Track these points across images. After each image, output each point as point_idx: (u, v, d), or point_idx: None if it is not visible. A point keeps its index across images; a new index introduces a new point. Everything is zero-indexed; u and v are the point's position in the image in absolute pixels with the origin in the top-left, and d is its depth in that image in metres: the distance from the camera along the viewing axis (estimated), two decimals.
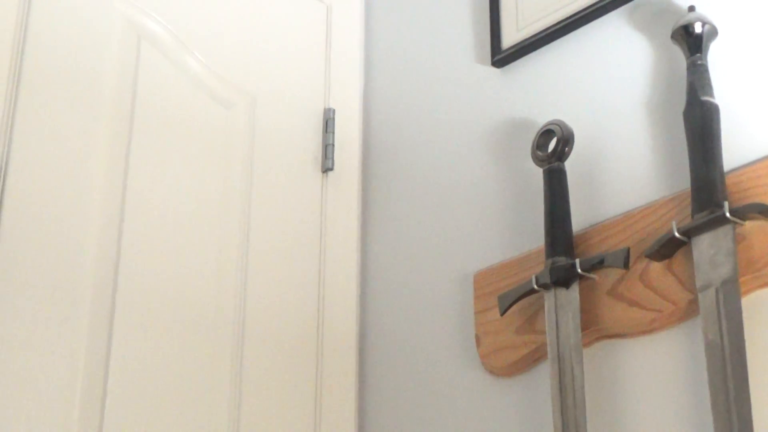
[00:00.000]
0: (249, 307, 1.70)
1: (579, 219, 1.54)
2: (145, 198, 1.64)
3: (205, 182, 1.72)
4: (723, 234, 1.35)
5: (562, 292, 1.49)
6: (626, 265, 1.44)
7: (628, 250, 1.45)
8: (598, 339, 1.49)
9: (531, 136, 1.62)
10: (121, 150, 1.64)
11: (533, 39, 1.72)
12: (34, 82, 1.56)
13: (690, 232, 1.38)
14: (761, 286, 1.35)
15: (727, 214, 1.35)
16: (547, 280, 1.49)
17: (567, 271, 1.49)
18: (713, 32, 1.48)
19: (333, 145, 1.89)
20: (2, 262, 1.46)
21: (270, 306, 1.72)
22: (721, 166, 1.39)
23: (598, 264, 1.47)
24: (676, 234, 1.39)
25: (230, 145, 1.78)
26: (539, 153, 1.58)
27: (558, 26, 1.69)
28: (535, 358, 1.54)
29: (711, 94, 1.43)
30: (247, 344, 1.67)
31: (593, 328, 1.48)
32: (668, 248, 1.41)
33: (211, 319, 1.66)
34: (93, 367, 1.51)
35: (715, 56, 1.48)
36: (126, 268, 1.58)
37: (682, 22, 1.48)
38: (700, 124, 1.42)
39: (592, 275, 1.48)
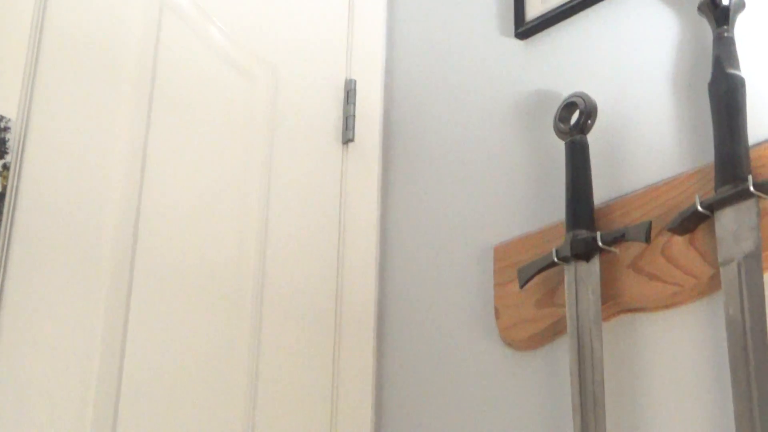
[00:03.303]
0: (268, 279, 1.69)
1: (601, 192, 1.53)
2: (166, 169, 1.63)
3: (225, 153, 1.72)
4: (746, 208, 1.34)
5: (582, 265, 1.48)
6: (648, 239, 1.43)
7: (649, 224, 1.43)
8: (618, 313, 1.48)
9: (553, 109, 1.60)
10: (141, 120, 1.63)
11: (557, 11, 1.71)
12: (55, 52, 1.56)
13: (713, 206, 1.37)
14: None
15: (751, 188, 1.33)
16: (567, 253, 1.48)
17: (588, 245, 1.47)
18: (740, 5, 1.46)
19: (354, 116, 1.88)
20: (21, 233, 1.46)
21: (289, 278, 1.72)
22: (746, 140, 1.38)
23: (619, 237, 1.46)
24: (699, 208, 1.37)
25: (251, 116, 1.77)
26: (561, 125, 1.57)
27: None
28: (554, 331, 1.53)
29: (737, 67, 1.41)
30: (265, 317, 1.67)
31: (613, 301, 1.47)
32: (691, 222, 1.40)
33: (231, 291, 1.65)
34: (111, 339, 1.51)
35: (742, 29, 1.46)
36: (145, 239, 1.58)
37: None
38: (726, 98, 1.40)
39: (613, 249, 1.47)
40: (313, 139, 1.84)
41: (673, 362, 1.41)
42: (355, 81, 1.91)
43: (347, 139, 1.86)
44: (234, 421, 1.60)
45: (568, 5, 1.69)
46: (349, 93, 1.89)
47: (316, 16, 1.92)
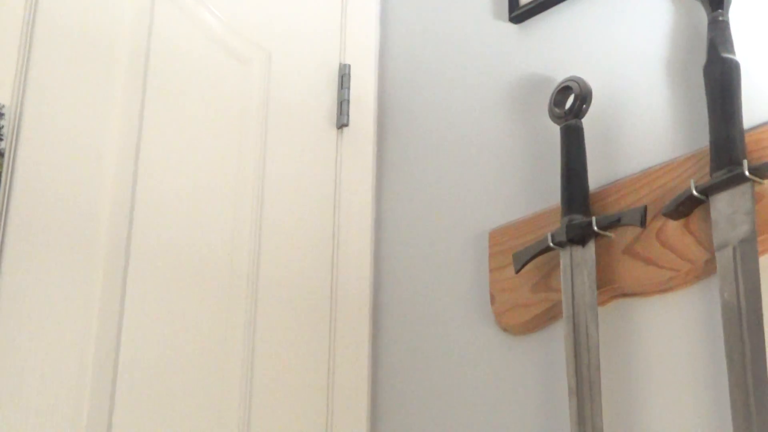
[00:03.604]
0: (263, 266, 1.69)
1: (596, 177, 1.53)
2: (159, 152, 1.63)
3: (219, 138, 1.72)
4: (741, 193, 1.34)
5: (577, 250, 1.48)
6: (643, 224, 1.43)
7: (645, 208, 1.44)
8: (613, 298, 1.48)
9: (548, 93, 1.60)
10: (135, 105, 1.63)
11: None
12: (48, 38, 1.55)
13: (708, 191, 1.37)
14: None
15: (746, 173, 1.33)
16: (562, 237, 1.48)
17: (583, 229, 1.47)
18: None
19: (348, 101, 1.87)
20: (15, 221, 1.46)
21: (284, 265, 1.72)
22: (741, 124, 1.38)
23: (614, 222, 1.46)
24: (695, 192, 1.37)
25: (245, 101, 1.77)
26: (556, 110, 1.57)
27: None
28: (549, 316, 1.53)
29: (732, 51, 1.41)
30: (260, 303, 1.67)
31: (609, 286, 1.47)
32: (686, 206, 1.39)
33: (226, 277, 1.65)
34: (106, 328, 1.51)
35: (737, 12, 1.46)
36: (140, 226, 1.57)
37: None
38: (720, 81, 1.40)
39: (608, 233, 1.47)
40: (308, 124, 1.83)
41: (668, 346, 1.41)
42: (350, 66, 1.90)
43: (341, 123, 1.86)
44: (230, 410, 1.60)
45: None
46: (344, 78, 1.89)
47: (309, 1, 1.91)
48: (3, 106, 1.48)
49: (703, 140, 1.42)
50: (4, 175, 1.46)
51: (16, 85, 1.50)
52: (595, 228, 1.47)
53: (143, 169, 1.60)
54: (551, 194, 1.57)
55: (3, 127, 1.47)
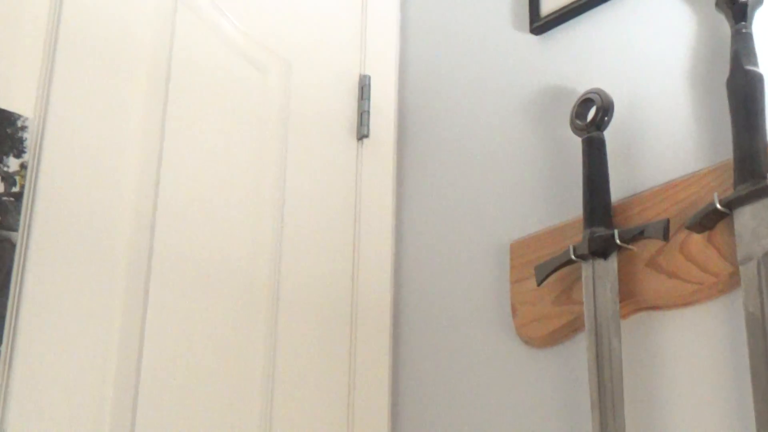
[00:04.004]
0: (284, 274, 1.69)
1: (618, 189, 1.52)
2: (181, 162, 1.63)
3: (240, 148, 1.72)
4: (765, 206, 1.33)
5: (600, 262, 1.48)
6: (666, 237, 1.42)
7: (667, 221, 1.43)
8: (636, 311, 1.47)
9: (570, 105, 1.60)
10: (156, 114, 1.63)
11: (573, 5, 1.70)
12: (71, 50, 1.56)
13: (732, 204, 1.36)
14: None
15: None
16: (585, 250, 1.48)
17: (605, 242, 1.47)
18: (759, 1, 1.46)
19: (368, 112, 1.87)
20: (38, 232, 1.46)
21: (304, 273, 1.72)
22: (765, 137, 1.37)
23: (637, 235, 1.45)
24: (718, 205, 1.37)
25: (265, 111, 1.77)
26: (578, 122, 1.56)
27: None
28: (572, 329, 1.53)
29: (755, 63, 1.41)
30: (281, 314, 1.67)
31: (631, 299, 1.46)
32: (709, 220, 1.39)
33: (247, 287, 1.65)
34: (128, 336, 1.51)
35: (760, 25, 1.45)
36: (161, 236, 1.58)
37: None
38: (744, 94, 1.40)
39: (630, 246, 1.47)
40: (328, 134, 1.84)
41: (691, 360, 1.41)
42: (370, 76, 1.90)
43: (362, 134, 1.86)
44: (251, 417, 1.60)
45: (584, 0, 1.68)
46: (364, 88, 1.89)
47: (330, 12, 1.91)
48: (26, 119, 1.48)
49: (727, 153, 1.41)
50: (27, 186, 1.47)
51: (39, 98, 1.51)
52: (618, 241, 1.46)
53: (164, 179, 1.61)
54: (573, 206, 1.57)
55: (26, 139, 1.48)
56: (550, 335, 1.55)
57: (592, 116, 1.55)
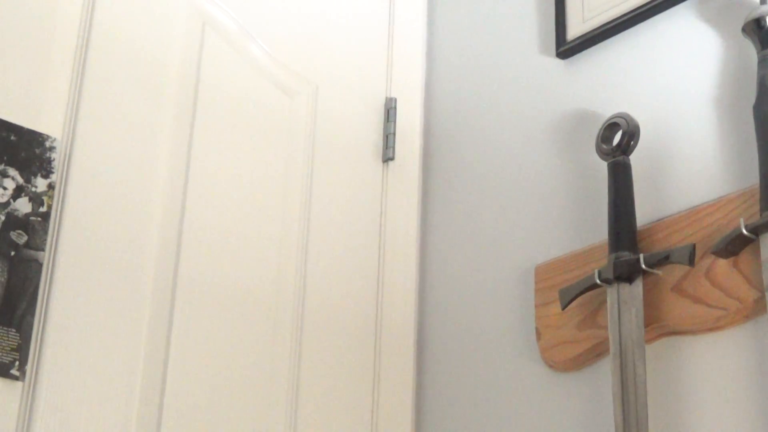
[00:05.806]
0: (308, 296, 1.70)
1: (644, 213, 1.52)
2: (207, 184, 1.64)
3: (266, 170, 1.73)
4: None
5: (625, 287, 1.47)
6: (692, 262, 1.42)
7: (693, 247, 1.43)
8: (661, 335, 1.47)
9: (595, 129, 1.60)
10: (184, 136, 1.65)
11: (599, 30, 1.70)
12: (99, 72, 1.57)
13: (758, 230, 1.36)
14: None
15: None
16: (610, 275, 1.48)
17: (631, 267, 1.47)
18: None
19: (394, 134, 1.88)
20: (65, 251, 1.47)
21: (329, 296, 1.72)
22: None
23: (663, 260, 1.45)
24: (744, 231, 1.36)
25: (292, 133, 1.78)
26: (604, 146, 1.56)
27: (625, 18, 1.66)
28: (596, 353, 1.53)
29: None
30: (306, 334, 1.68)
31: (656, 324, 1.46)
32: (735, 245, 1.38)
33: (272, 308, 1.66)
34: (154, 357, 1.52)
35: None
36: (187, 254, 1.59)
37: (754, 15, 1.45)
38: None
39: (656, 271, 1.46)
40: (354, 157, 1.84)
41: (717, 386, 1.40)
42: (396, 99, 1.91)
43: (387, 157, 1.86)
44: None
45: (610, 25, 1.69)
46: (390, 111, 1.90)
47: (356, 35, 1.92)
48: (54, 139, 1.50)
49: (753, 178, 1.41)
50: (54, 207, 1.48)
51: (67, 119, 1.52)
52: (643, 266, 1.46)
53: (190, 200, 1.62)
54: (598, 230, 1.56)
55: (54, 160, 1.49)
56: (575, 359, 1.55)
57: (618, 140, 1.55)
